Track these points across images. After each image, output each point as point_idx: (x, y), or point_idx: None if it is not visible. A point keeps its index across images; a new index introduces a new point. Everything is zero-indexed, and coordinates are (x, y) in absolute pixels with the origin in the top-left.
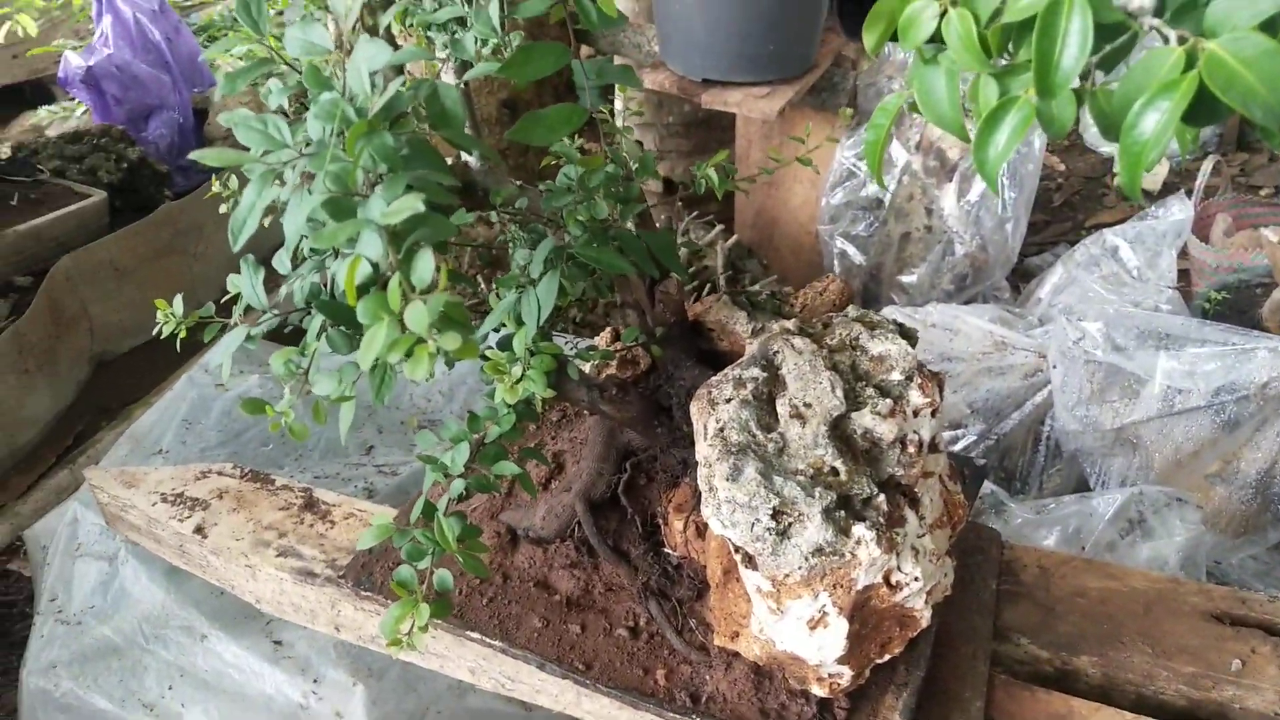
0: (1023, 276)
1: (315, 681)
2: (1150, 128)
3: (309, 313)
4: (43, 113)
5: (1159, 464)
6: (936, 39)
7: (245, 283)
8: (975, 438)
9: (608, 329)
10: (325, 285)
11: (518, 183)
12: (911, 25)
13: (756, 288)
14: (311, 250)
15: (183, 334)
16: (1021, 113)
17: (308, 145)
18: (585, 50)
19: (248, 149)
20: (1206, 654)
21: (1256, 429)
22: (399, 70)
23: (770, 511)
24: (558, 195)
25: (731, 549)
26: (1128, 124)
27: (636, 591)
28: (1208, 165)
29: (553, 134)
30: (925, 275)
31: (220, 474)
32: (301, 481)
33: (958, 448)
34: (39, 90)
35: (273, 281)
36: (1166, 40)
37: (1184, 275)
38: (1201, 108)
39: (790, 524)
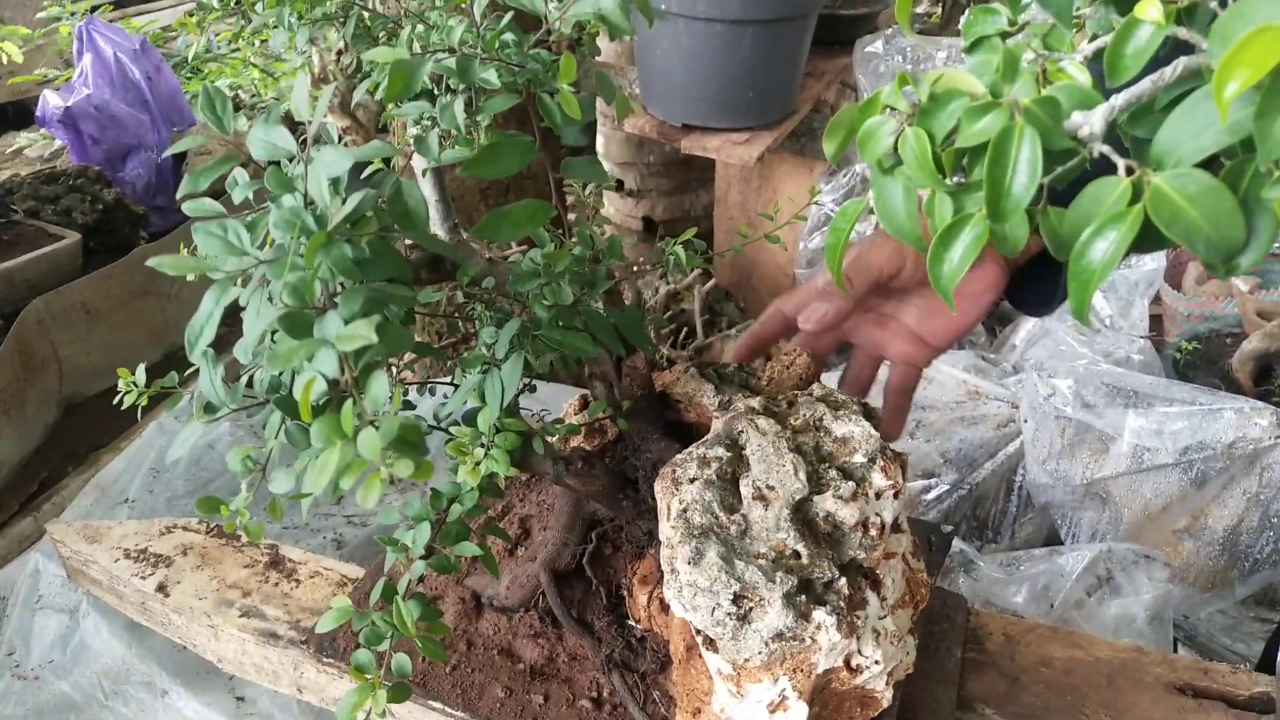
0: (998, 320)
1: None
2: (1099, 256)
3: (267, 404)
4: (23, 139)
5: (1128, 519)
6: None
7: (204, 378)
8: (948, 487)
9: (576, 398)
10: (285, 377)
11: (488, 256)
12: (869, 140)
13: (729, 362)
14: (272, 335)
15: (144, 403)
16: (975, 230)
17: (269, 245)
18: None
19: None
20: None
21: (1223, 486)
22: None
23: (731, 596)
24: (522, 279)
25: (693, 630)
26: (1076, 252)
27: (600, 663)
28: None
29: (518, 230)
30: None
31: (185, 529)
32: (270, 532)
33: (930, 496)
34: (22, 112)
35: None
36: (1114, 169)
37: (1156, 322)
38: (1147, 238)
39: (751, 609)
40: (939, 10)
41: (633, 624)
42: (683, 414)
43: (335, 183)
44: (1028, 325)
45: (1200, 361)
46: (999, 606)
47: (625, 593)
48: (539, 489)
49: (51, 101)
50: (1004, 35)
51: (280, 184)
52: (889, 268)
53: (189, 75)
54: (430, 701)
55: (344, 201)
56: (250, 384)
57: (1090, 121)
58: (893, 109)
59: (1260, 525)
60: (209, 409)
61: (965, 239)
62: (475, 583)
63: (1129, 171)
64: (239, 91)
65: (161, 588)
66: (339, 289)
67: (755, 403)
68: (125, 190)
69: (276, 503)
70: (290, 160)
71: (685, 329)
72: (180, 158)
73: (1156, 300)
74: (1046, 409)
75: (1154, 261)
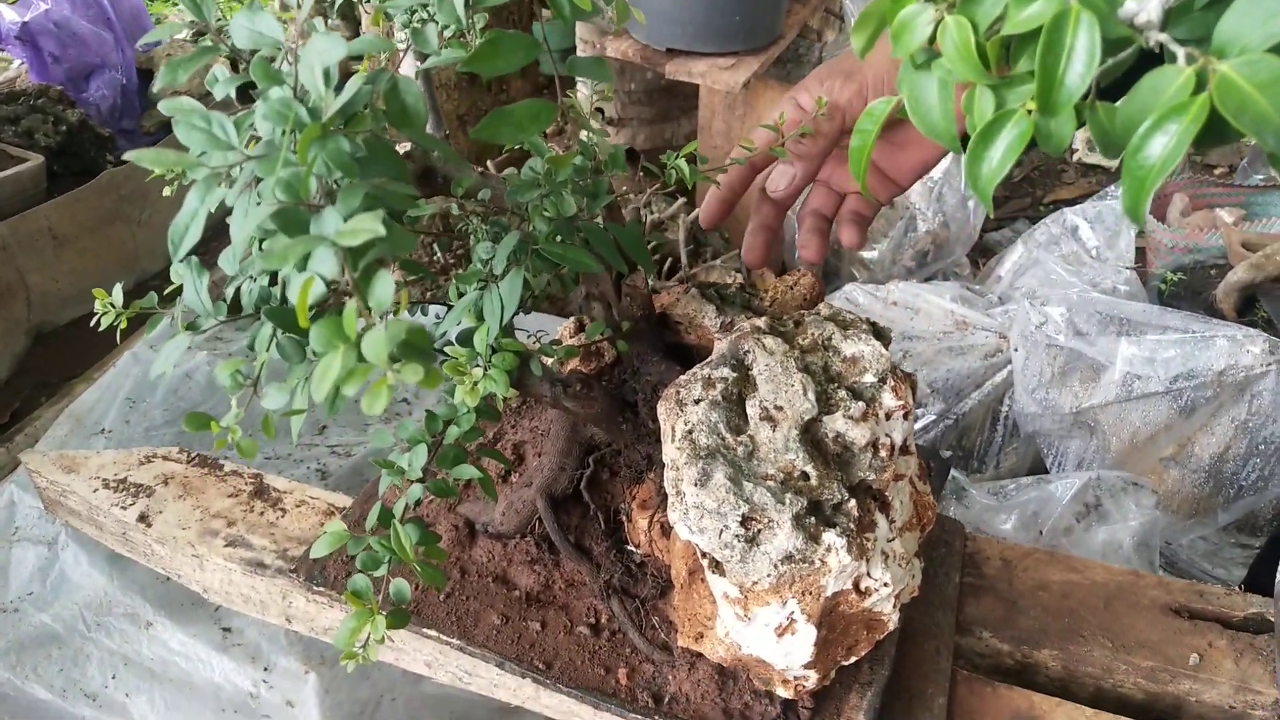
0: (982, 252)
1: (266, 670)
2: (1158, 151)
3: (257, 318)
4: None
5: (1116, 447)
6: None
7: (188, 288)
8: (935, 417)
9: (571, 320)
10: (276, 289)
11: (480, 170)
12: (904, 31)
13: (725, 272)
14: (260, 249)
15: (123, 325)
16: (1019, 128)
17: (255, 143)
18: (547, 15)
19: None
20: (1165, 648)
21: (1212, 414)
22: (358, 59)
23: (739, 518)
24: (522, 189)
25: (698, 554)
26: (1133, 147)
27: (598, 589)
28: None
29: (521, 131)
30: (887, 252)
31: (165, 459)
32: (252, 465)
33: (917, 427)
34: None
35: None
36: (1174, 58)
37: (1141, 254)
38: (1211, 131)
39: (759, 531)
40: None
41: (632, 549)
42: (683, 336)
43: (327, 74)
44: (1013, 256)
45: (1185, 292)
46: (989, 533)
47: (624, 518)
48: (532, 415)
49: (7, 17)
50: None
51: (267, 76)
52: (852, 111)
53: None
54: (425, 630)
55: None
56: (237, 303)
57: (1147, 8)
58: None
59: (1247, 452)
60: (193, 326)
61: (1007, 137)
62: (468, 510)
63: (1189, 60)
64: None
65: (143, 518)
66: (335, 187)
67: (761, 322)
68: (90, 113)
69: (269, 420)
70: (278, 51)
71: (670, 259)
72: (146, 79)
73: (1140, 234)
74: (1038, 337)
75: None
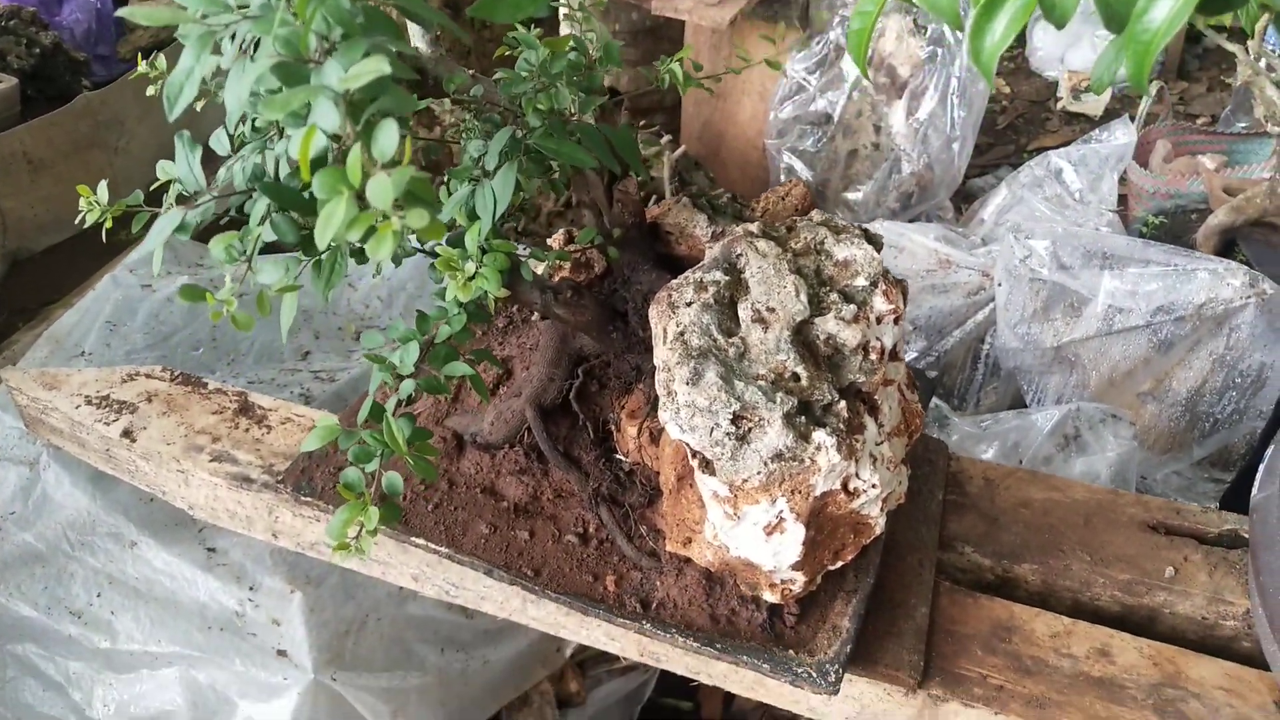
0: (965, 198)
1: (251, 589)
2: (1161, 15)
3: (250, 197)
4: None
5: (1095, 382)
6: None
7: (181, 161)
8: (916, 354)
9: (561, 231)
10: (270, 167)
11: (470, 72)
12: None
13: (719, 194)
14: (254, 129)
15: (108, 224)
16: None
17: (247, 7)
18: None
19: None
20: (1141, 562)
21: (1189, 349)
22: None
23: (730, 416)
24: (516, 81)
25: (688, 454)
26: (1138, 10)
27: (587, 498)
28: (1151, 91)
29: (519, 10)
30: (871, 193)
31: (149, 376)
32: (237, 385)
33: None
34: None
35: (210, 168)
36: None
37: (1122, 200)
38: None
39: (750, 429)
40: None
41: (620, 458)
42: (674, 246)
43: None
44: (996, 199)
45: (1166, 236)
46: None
47: (613, 427)
48: (519, 333)
49: None
50: None
51: None
52: None
53: None
54: (413, 539)
55: None
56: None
57: None
58: None
59: (1223, 386)
60: (183, 199)
61: (1011, 8)
62: (456, 422)
63: None
64: None
65: (127, 433)
66: (334, 46)
67: (754, 227)
68: (63, 36)
69: (264, 297)
70: None
71: (655, 196)
72: (121, 2)
73: (1122, 180)
74: (1021, 271)
75: (1124, 137)
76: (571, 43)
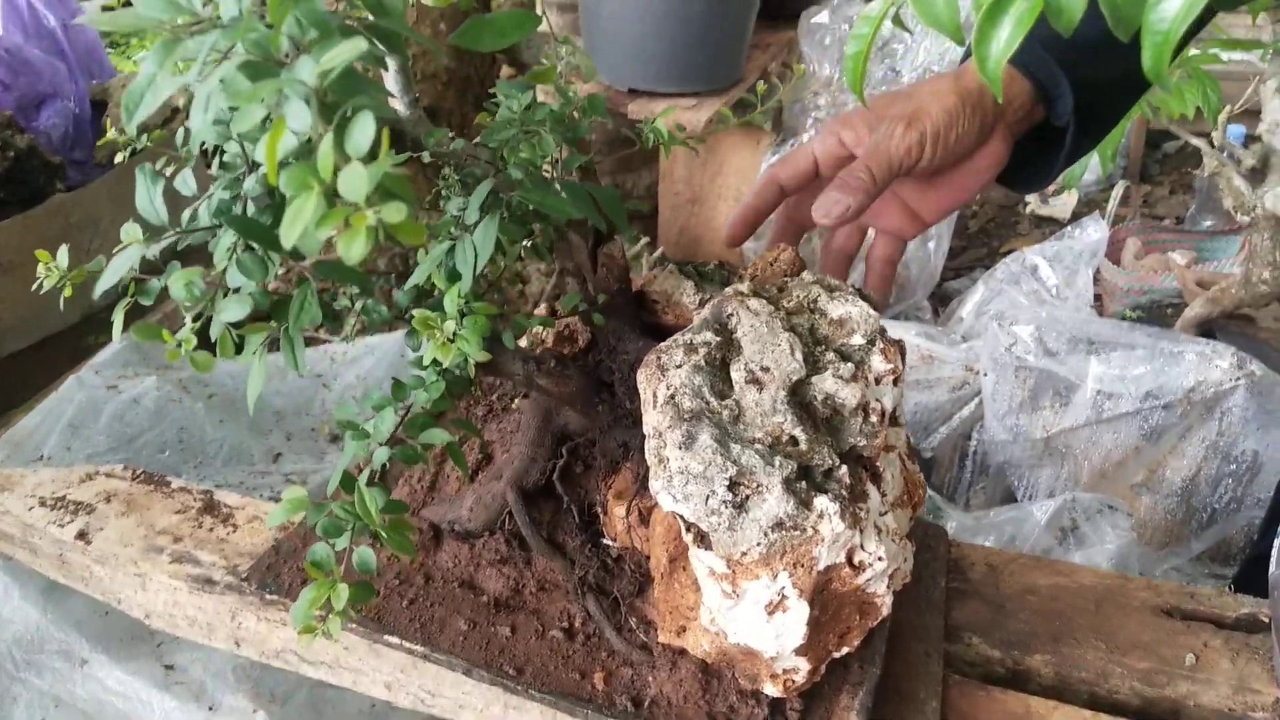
0: (941, 300)
1: (211, 709)
2: (1174, 8)
3: (215, 234)
4: None
5: (1087, 473)
6: None
7: (142, 195)
8: None
9: (543, 304)
10: (236, 202)
11: (450, 133)
12: None
13: (705, 262)
14: (221, 165)
15: (68, 292)
16: (1027, 2)
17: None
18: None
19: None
20: (1159, 649)
21: (1181, 436)
22: None
23: (727, 482)
24: (498, 129)
25: (682, 528)
26: (1151, 4)
27: (573, 587)
28: (1118, 191)
29: (503, 38)
30: None
31: (109, 475)
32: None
33: None
34: None
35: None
36: None
37: (1096, 298)
38: None
39: (748, 496)
40: None
41: (608, 543)
42: (660, 315)
43: None
44: (974, 298)
45: None
46: None
47: (599, 510)
48: (498, 420)
49: None
50: None
51: None
52: (909, 159)
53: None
54: (386, 636)
55: None
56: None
57: None
58: None
59: (1218, 474)
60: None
61: (1015, 12)
62: (433, 512)
63: None
64: None
65: (82, 535)
66: (307, 49)
67: (744, 286)
68: (40, 140)
69: (226, 338)
70: None
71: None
72: (99, 111)
73: (1096, 278)
74: (1007, 359)
75: (1096, 233)
76: (554, 89)
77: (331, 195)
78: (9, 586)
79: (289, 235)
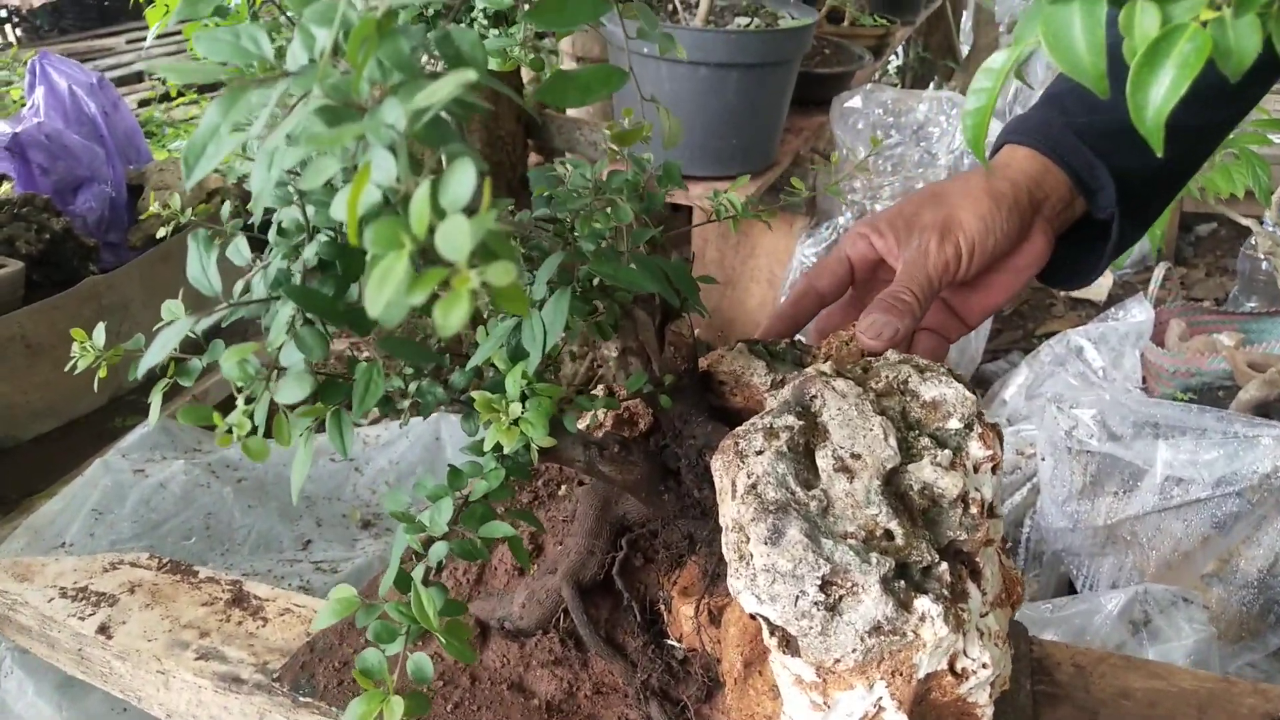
0: (979, 383)
1: None
2: (1161, 92)
3: (271, 307)
4: None
5: (1154, 563)
6: None
7: (194, 263)
8: None
9: (602, 387)
10: (296, 267)
11: (510, 202)
12: None
13: (775, 341)
14: (280, 232)
15: (102, 373)
16: (1193, 44)
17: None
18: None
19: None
20: None
21: (1257, 525)
22: None
23: (819, 581)
24: (568, 198)
25: (766, 631)
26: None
27: (634, 692)
28: (1159, 273)
29: (588, 95)
30: None
31: (134, 565)
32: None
33: None
34: None
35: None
36: None
37: (1141, 382)
38: None
39: (842, 596)
40: (899, 84)
41: (673, 643)
42: (728, 398)
43: None
44: (1017, 380)
45: None
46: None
47: (662, 607)
48: (546, 507)
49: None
50: None
51: None
52: (949, 275)
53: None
54: None
55: None
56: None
57: None
58: None
59: None
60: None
61: (1178, 56)
62: (479, 607)
63: None
64: None
65: (103, 629)
66: (393, 91)
67: (825, 367)
68: (76, 224)
69: (282, 421)
70: None
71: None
72: (136, 194)
73: (1141, 360)
74: (1067, 444)
75: (1141, 314)
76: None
77: (423, 254)
78: (24, 682)
79: (376, 301)
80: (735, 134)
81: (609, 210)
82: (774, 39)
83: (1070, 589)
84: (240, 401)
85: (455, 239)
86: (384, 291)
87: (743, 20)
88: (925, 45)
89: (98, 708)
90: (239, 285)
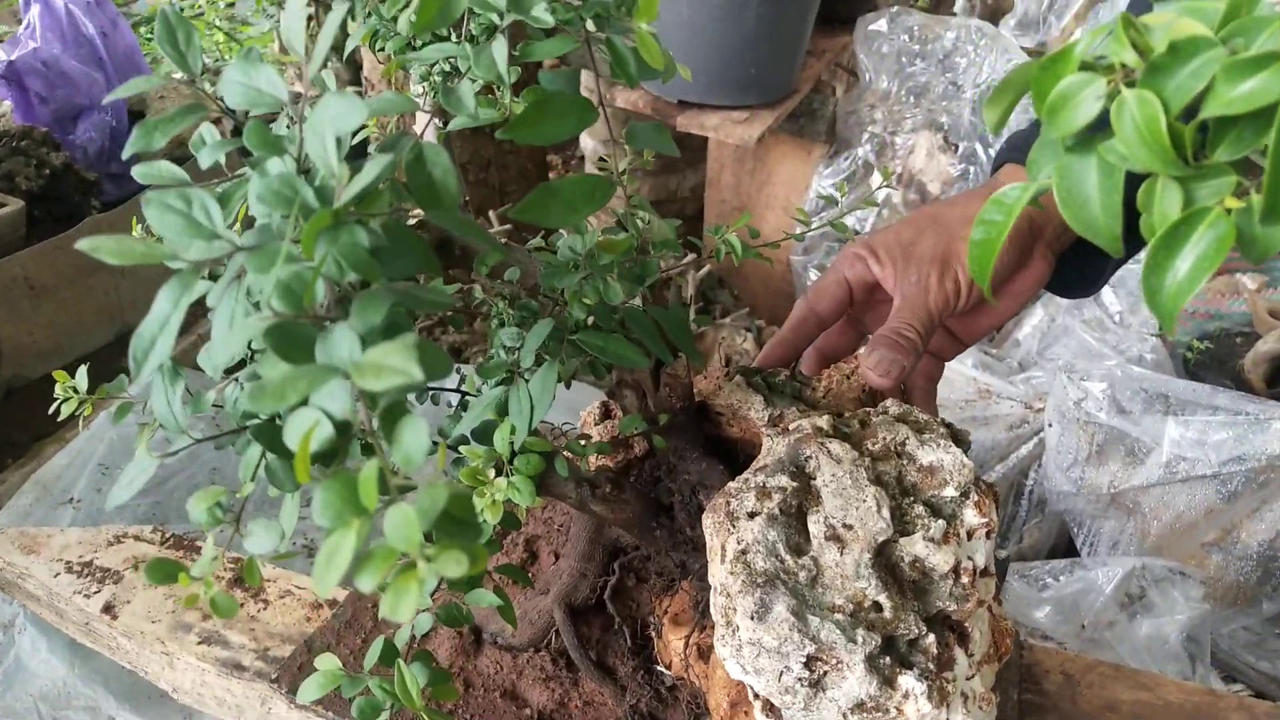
0: None
1: None
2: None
3: (240, 435)
4: None
5: (1156, 531)
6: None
7: (158, 399)
8: None
9: (595, 405)
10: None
11: (503, 240)
12: (1064, 106)
13: (735, 331)
14: (252, 354)
15: (87, 412)
16: (1216, 230)
17: (240, 226)
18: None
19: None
20: None
21: (1262, 501)
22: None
23: (804, 659)
24: (559, 273)
25: (750, 693)
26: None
27: (624, 715)
28: None
29: (572, 213)
30: None
31: (138, 539)
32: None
33: None
34: None
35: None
36: None
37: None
38: None
39: (826, 673)
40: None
41: (662, 670)
42: (724, 429)
43: (339, 143)
44: (1032, 320)
45: (1211, 361)
46: (1028, 626)
47: (653, 633)
48: (545, 504)
49: None
50: None
51: (265, 143)
52: (949, 309)
53: (148, 37)
54: None
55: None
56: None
57: None
58: (1098, 65)
59: None
60: (162, 427)
61: (1200, 243)
62: (475, 616)
63: None
64: (203, 56)
65: (108, 608)
66: (349, 289)
67: (823, 422)
68: (76, 155)
69: (254, 565)
70: (279, 114)
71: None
72: (137, 120)
73: None
74: (1075, 414)
75: None
76: (632, 233)
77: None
78: (36, 640)
79: (321, 582)
80: (754, 62)
81: (600, 286)
82: None
83: (1070, 541)
84: (209, 542)
85: (403, 529)
86: (330, 574)
87: None
88: None
89: (108, 666)
90: (208, 397)
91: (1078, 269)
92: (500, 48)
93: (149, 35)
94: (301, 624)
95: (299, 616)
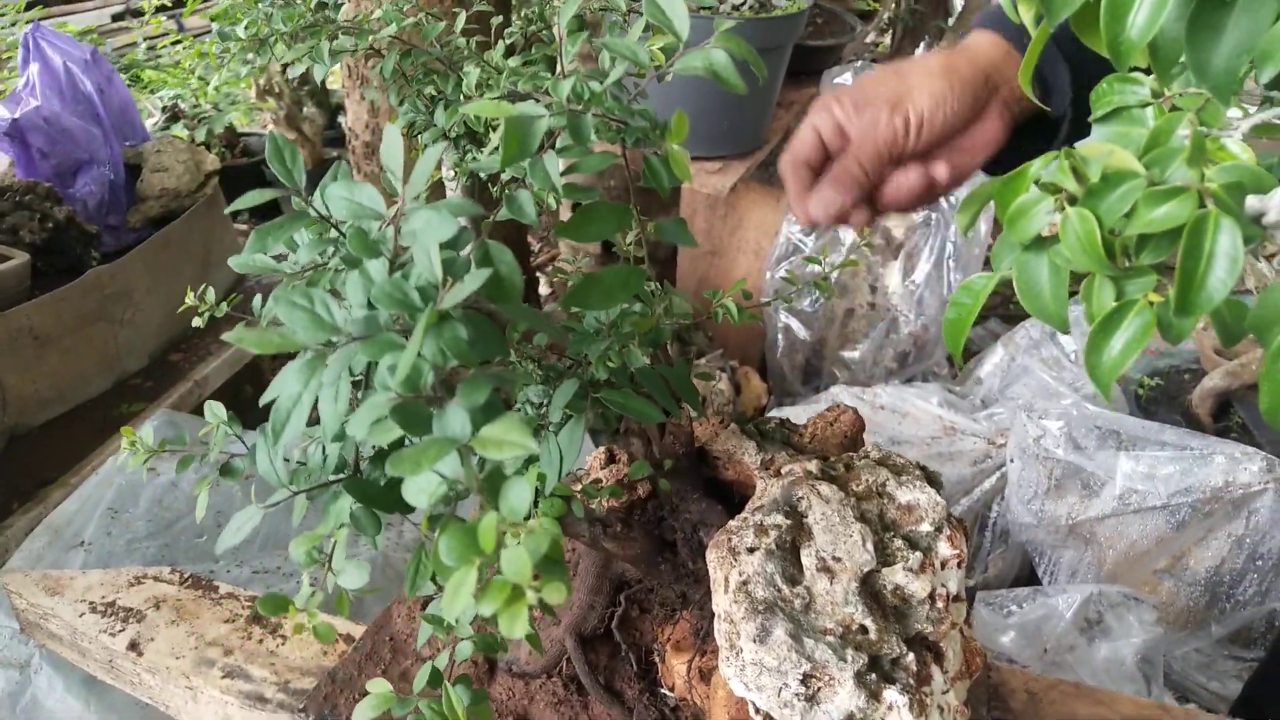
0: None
1: None
2: None
3: (330, 488)
4: None
5: (1111, 559)
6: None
7: (262, 456)
8: None
9: (601, 450)
10: (349, 453)
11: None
12: (1020, 218)
13: (709, 372)
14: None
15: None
16: (1141, 318)
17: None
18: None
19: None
20: None
21: (1208, 530)
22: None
23: (800, 676)
24: (586, 340)
25: (751, 710)
26: (1274, 351)
27: None
28: None
29: (610, 299)
30: (868, 352)
31: (157, 579)
32: (242, 576)
33: None
34: None
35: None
36: None
37: None
38: None
39: (820, 689)
40: (887, 39)
41: (666, 692)
42: (721, 471)
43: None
44: (993, 359)
45: (1161, 397)
46: (994, 651)
47: (657, 658)
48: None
49: None
50: (1144, 106)
51: (365, 247)
52: (896, 146)
53: (129, 82)
54: None
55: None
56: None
57: (1272, 207)
58: (1047, 186)
59: (1244, 568)
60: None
61: (1129, 328)
62: None
63: None
64: (178, 101)
65: (134, 645)
66: (448, 378)
67: (813, 466)
68: (76, 208)
69: (344, 598)
70: (376, 221)
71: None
72: (134, 175)
73: None
74: (1035, 450)
75: None
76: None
77: (488, 561)
78: (53, 679)
79: (450, 609)
80: (727, 116)
81: (623, 354)
82: (769, 25)
83: (1032, 569)
84: (305, 580)
85: (517, 565)
86: (457, 602)
87: (737, 1)
88: None
89: (123, 702)
90: (296, 453)
91: (1024, 151)
92: (553, 161)
93: (128, 82)
94: (319, 657)
95: (317, 650)
